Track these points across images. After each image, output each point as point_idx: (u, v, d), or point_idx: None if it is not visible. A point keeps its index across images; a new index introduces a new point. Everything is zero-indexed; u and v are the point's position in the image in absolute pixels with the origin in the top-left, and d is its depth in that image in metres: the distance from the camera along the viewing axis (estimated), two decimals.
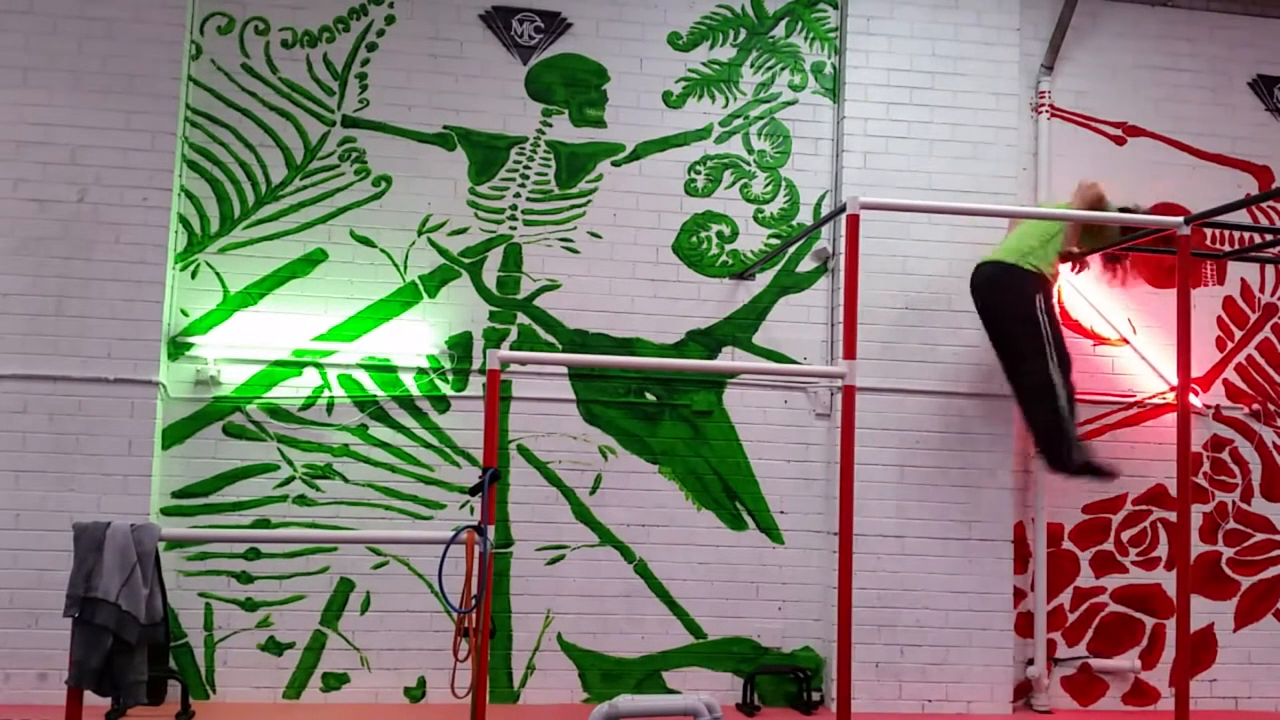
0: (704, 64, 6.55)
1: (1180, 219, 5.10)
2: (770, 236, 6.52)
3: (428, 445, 6.16)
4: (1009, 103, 6.59)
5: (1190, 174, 6.86)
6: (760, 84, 6.58)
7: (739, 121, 6.55)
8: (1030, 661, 6.46)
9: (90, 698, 4.27)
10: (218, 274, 6.11)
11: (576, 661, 6.18)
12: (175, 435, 5.98)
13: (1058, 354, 5.82)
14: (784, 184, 6.57)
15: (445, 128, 6.32)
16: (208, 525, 5.91)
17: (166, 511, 5.93)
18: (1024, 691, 6.46)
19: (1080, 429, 6.02)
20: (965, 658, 6.25)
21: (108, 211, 5.85)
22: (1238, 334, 6.88)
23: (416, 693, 6.04)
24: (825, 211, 6.54)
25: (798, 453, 6.43)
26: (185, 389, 6.01)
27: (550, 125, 6.40)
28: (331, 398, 6.12)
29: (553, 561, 6.21)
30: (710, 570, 6.31)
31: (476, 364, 6.24)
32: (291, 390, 6.09)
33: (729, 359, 6.43)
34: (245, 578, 5.97)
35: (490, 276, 6.31)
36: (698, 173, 6.50)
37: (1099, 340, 6.67)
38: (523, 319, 6.31)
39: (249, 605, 5.96)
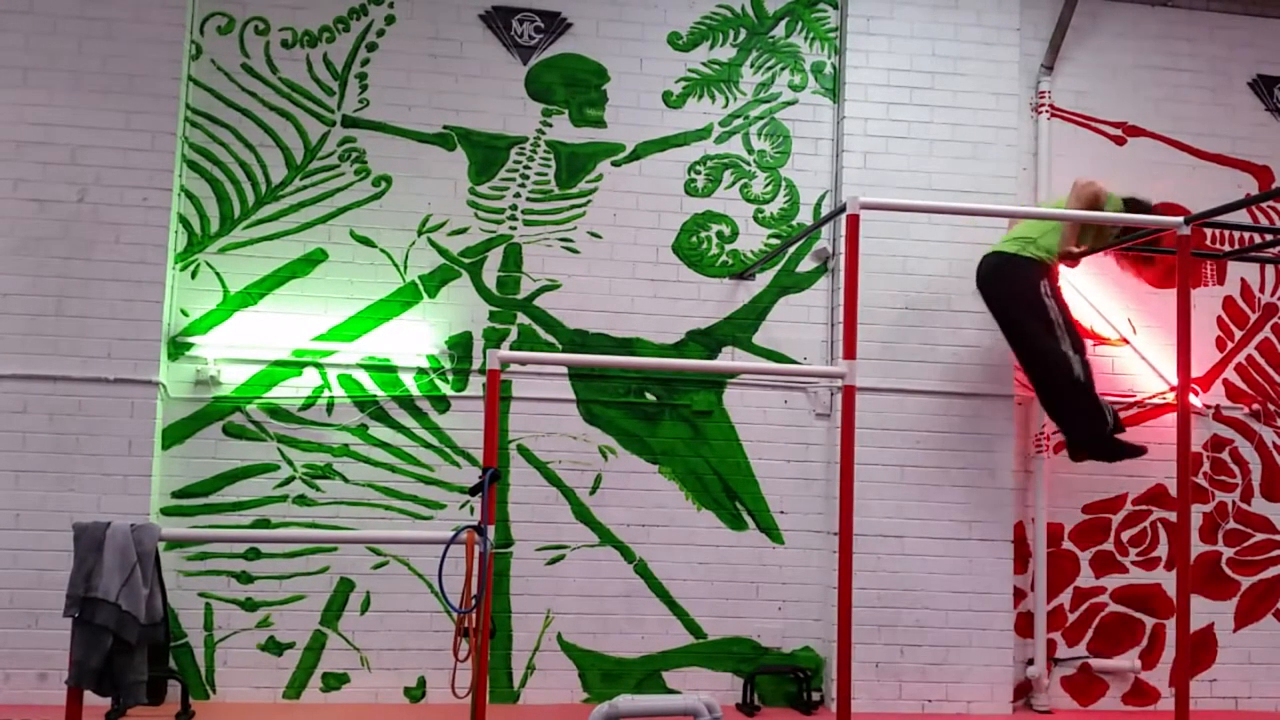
0: (704, 64, 6.55)
1: (1180, 219, 5.10)
2: (770, 236, 6.52)
3: (428, 445, 6.16)
4: (1009, 103, 6.59)
5: (1190, 174, 6.86)
6: (760, 84, 6.58)
7: (739, 121, 6.55)
8: (1030, 661, 6.46)
9: (90, 698, 4.27)
10: (218, 274, 6.11)
11: (576, 661, 6.18)
12: (175, 435, 5.98)
13: (1069, 335, 5.87)
14: (784, 184, 6.57)
15: (445, 128, 6.32)
16: (208, 525, 5.91)
17: (166, 511, 5.93)
18: (1024, 691, 6.46)
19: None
20: (965, 658, 6.25)
21: (108, 211, 5.85)
22: (1238, 334, 6.88)
23: (416, 693, 6.04)
24: (825, 211, 6.54)
25: (798, 453, 6.43)
26: (185, 389, 6.01)
27: (550, 125, 6.40)
28: (331, 398, 6.12)
29: (553, 561, 6.21)
30: (710, 570, 6.31)
31: (476, 364, 6.24)
32: (291, 390, 6.09)
33: (729, 359, 6.43)
34: (245, 578, 5.97)
35: (490, 276, 6.31)
36: (698, 173, 6.50)
37: (1099, 340, 6.67)
38: (523, 319, 6.31)
39: (249, 605, 5.96)
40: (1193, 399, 5.93)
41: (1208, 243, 6.82)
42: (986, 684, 6.25)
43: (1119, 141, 6.85)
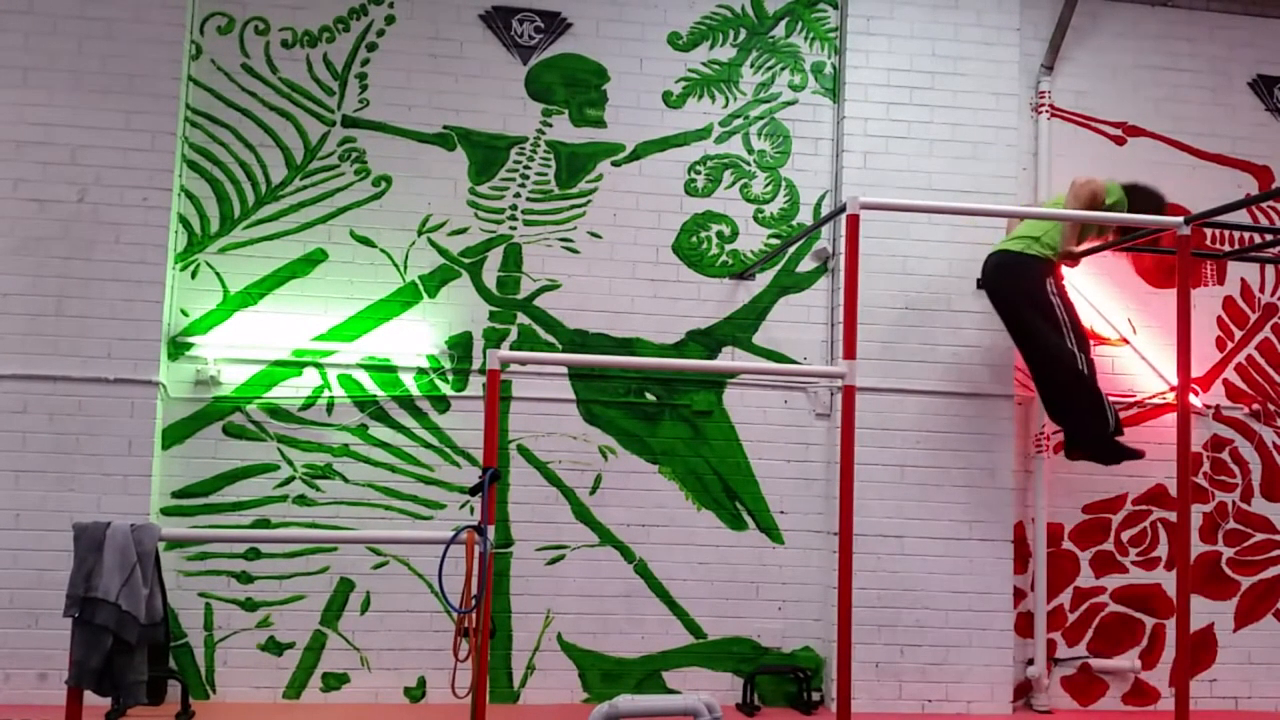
0: (704, 64, 6.55)
1: (1180, 219, 5.10)
2: (770, 236, 6.52)
3: (428, 445, 6.16)
4: (1009, 103, 6.59)
5: (1190, 174, 6.86)
6: (760, 84, 6.58)
7: (739, 121, 6.55)
8: (1030, 661, 6.46)
9: (90, 698, 4.27)
10: (218, 274, 6.11)
11: (576, 661, 6.18)
12: (175, 435, 5.98)
13: (1074, 333, 5.87)
14: (784, 184, 6.57)
15: (445, 128, 6.32)
16: (208, 525, 5.91)
17: (166, 511, 5.93)
18: (1024, 691, 6.46)
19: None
20: (965, 658, 6.25)
21: (108, 211, 5.85)
22: (1238, 334, 6.88)
23: (416, 693, 6.04)
24: (825, 211, 6.54)
25: (798, 453, 6.43)
26: (185, 389, 6.01)
27: (550, 125, 6.40)
28: (331, 398, 6.12)
29: (553, 561, 6.21)
30: (710, 570, 6.31)
31: (476, 364, 6.24)
32: (291, 390, 6.09)
33: (729, 359, 6.43)
34: (245, 578, 5.97)
35: (490, 276, 6.31)
36: (698, 173, 6.50)
37: (1099, 340, 6.66)
38: (523, 319, 6.31)
39: (249, 605, 5.96)
40: (1193, 399, 5.94)
41: (1208, 243, 6.82)
42: (986, 684, 6.25)
43: (1119, 141, 6.85)
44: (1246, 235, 6.73)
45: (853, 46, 6.53)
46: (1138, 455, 6.00)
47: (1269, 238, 6.65)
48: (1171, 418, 6.44)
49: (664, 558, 6.28)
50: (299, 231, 6.17)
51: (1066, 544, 6.58)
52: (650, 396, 6.37)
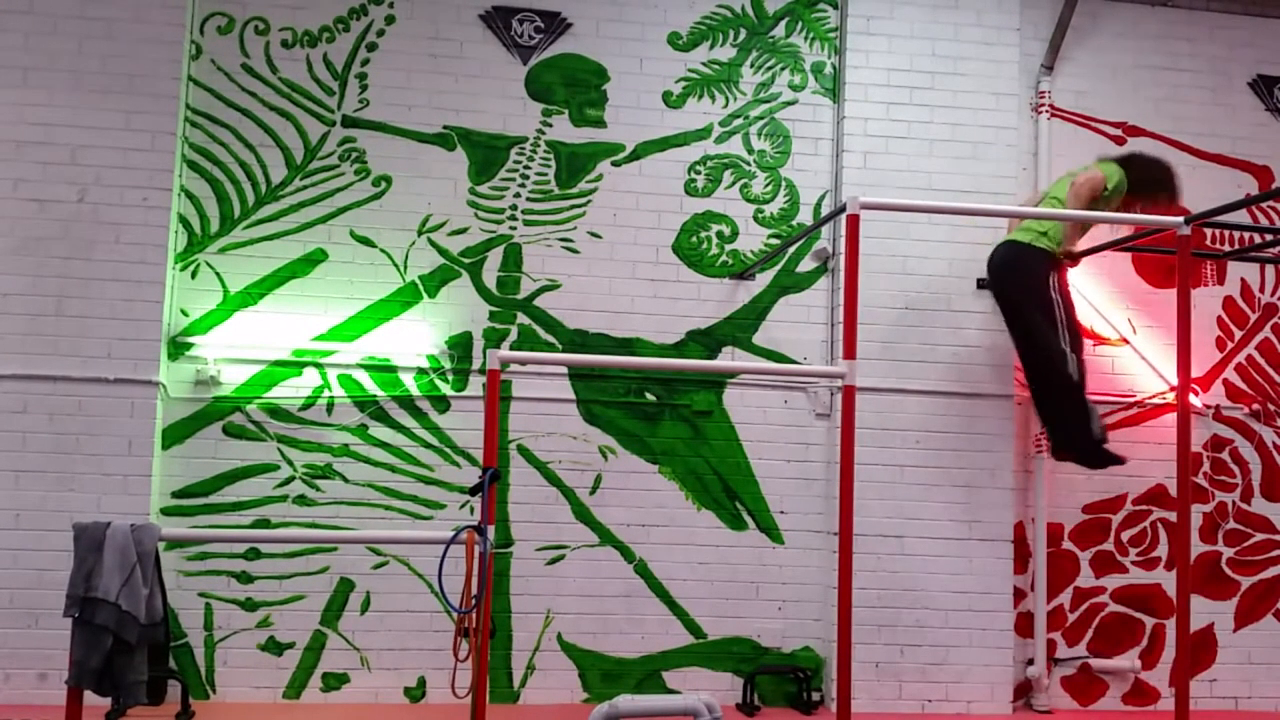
0: (704, 64, 6.55)
1: (1180, 219, 5.10)
2: (770, 236, 6.52)
3: (428, 445, 6.16)
4: (1009, 103, 6.59)
5: (1190, 174, 6.84)
6: (760, 84, 6.58)
7: (739, 121, 6.55)
8: (1030, 661, 6.46)
9: (90, 698, 4.27)
10: (218, 274, 6.11)
11: (576, 661, 6.18)
12: (175, 435, 5.98)
13: (1070, 333, 5.88)
14: (784, 184, 6.57)
15: (445, 128, 6.32)
16: (208, 525, 5.91)
17: (166, 511, 5.93)
18: (1024, 691, 6.46)
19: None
20: (965, 658, 6.25)
21: (108, 211, 5.85)
22: (1238, 334, 6.88)
23: (416, 693, 6.04)
24: (825, 211, 6.54)
25: (798, 453, 6.43)
26: (185, 389, 6.01)
27: (550, 125, 6.40)
28: (331, 398, 6.12)
29: (553, 561, 6.21)
30: (710, 570, 6.31)
31: (476, 364, 6.24)
32: (291, 390, 6.09)
33: (729, 359, 6.43)
34: (245, 578, 5.97)
35: (490, 276, 6.31)
36: (698, 173, 6.50)
37: (1099, 340, 6.67)
38: (523, 319, 6.31)
39: (249, 605, 5.96)
40: (1193, 399, 5.93)
41: (1208, 243, 6.82)
42: (986, 684, 6.25)
43: (1119, 141, 6.85)
44: (1246, 235, 6.73)
45: (853, 46, 6.53)
46: (1120, 461, 6.01)
47: (1269, 238, 6.65)
48: (1171, 418, 6.44)
49: (664, 558, 6.28)
50: (299, 231, 6.17)
51: (1066, 544, 6.58)
52: (650, 396, 6.37)
